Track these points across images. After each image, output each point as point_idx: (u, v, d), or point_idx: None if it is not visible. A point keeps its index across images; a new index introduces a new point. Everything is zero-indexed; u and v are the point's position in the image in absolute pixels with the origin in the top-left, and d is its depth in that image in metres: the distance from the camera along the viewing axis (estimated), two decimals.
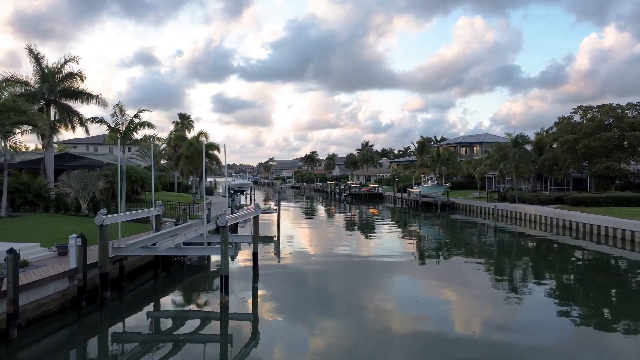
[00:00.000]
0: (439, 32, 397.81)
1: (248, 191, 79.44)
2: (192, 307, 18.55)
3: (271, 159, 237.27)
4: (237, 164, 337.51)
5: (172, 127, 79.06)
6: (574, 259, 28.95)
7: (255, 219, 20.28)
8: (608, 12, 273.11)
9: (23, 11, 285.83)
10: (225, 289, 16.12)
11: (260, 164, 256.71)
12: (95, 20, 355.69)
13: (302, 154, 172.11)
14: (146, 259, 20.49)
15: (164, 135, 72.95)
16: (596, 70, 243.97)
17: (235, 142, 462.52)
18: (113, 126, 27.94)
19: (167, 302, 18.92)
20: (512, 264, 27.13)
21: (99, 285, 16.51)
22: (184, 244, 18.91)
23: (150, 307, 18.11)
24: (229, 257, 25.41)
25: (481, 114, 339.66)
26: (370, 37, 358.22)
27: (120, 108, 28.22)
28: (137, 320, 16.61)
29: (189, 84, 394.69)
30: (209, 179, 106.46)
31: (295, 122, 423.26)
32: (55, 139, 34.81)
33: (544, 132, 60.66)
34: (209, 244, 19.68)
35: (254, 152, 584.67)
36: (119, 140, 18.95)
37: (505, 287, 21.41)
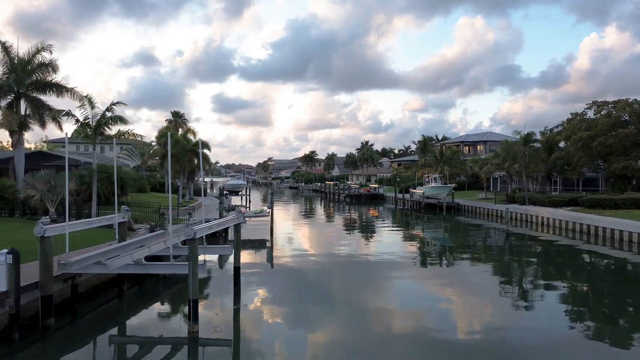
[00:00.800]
0: (440, 32, 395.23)
1: (243, 192, 76.32)
2: (162, 331, 15.50)
3: (269, 159, 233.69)
4: (237, 164, 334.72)
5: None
6: (594, 266, 26.05)
7: (237, 227, 17.18)
8: (609, 12, 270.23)
9: (23, 11, 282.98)
10: (194, 316, 13.08)
11: (259, 164, 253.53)
12: (96, 20, 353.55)
13: (302, 154, 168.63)
14: (109, 274, 17.39)
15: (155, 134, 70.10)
16: (597, 70, 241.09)
17: (236, 142, 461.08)
18: (82, 120, 24.83)
19: (133, 325, 15.89)
20: (525, 271, 24.33)
21: (40, 311, 13.45)
22: (151, 257, 15.90)
23: (109, 332, 15.06)
24: (217, 265, 22.44)
25: (481, 114, 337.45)
26: (371, 37, 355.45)
27: (89, 100, 25.08)
28: (92, 350, 13.64)
29: (189, 84, 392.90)
30: (206, 179, 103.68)
31: (296, 122, 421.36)
32: (44, 137, 31.85)
33: (548, 132, 57.96)
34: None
35: (254, 152, 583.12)
36: (65, 134, 15.88)
37: (515, 295, 19.47)
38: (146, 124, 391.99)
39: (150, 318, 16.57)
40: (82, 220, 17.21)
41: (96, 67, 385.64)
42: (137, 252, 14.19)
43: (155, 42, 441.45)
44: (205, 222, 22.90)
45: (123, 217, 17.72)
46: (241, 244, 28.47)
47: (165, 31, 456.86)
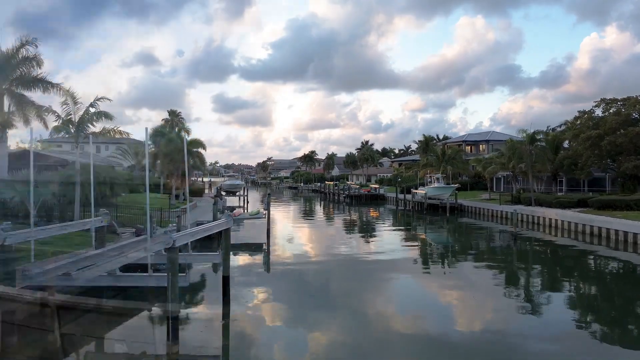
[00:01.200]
0: (440, 32, 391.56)
1: (241, 192, 74.76)
2: (145, 347, 13.94)
3: (269, 159, 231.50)
4: (237, 164, 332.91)
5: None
6: (610, 272, 24.65)
7: (226, 232, 15.61)
8: (609, 12, 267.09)
9: (23, 11, 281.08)
10: (174, 334, 11.57)
11: (258, 164, 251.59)
12: (97, 20, 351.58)
13: (302, 154, 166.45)
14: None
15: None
16: (597, 70, 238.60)
17: (236, 142, 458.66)
18: (63, 117, 23.26)
19: (112, 341, 14.35)
20: (535, 278, 22.98)
21: None
22: (134, 266, 14.34)
23: (85, 349, 13.63)
24: (212, 270, 20.90)
25: (481, 114, 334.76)
26: (371, 36, 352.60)
27: (71, 95, 23.52)
28: None
29: (190, 84, 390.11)
30: (204, 179, 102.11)
31: (296, 122, 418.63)
32: (39, 137, 30.20)
33: (551, 131, 56.49)
34: (155, 269, 14.71)
35: (254, 152, 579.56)
36: (31, 128, 14.33)
37: (521, 300, 18.54)
38: (146, 124, 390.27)
39: (132, 332, 15.03)
40: (52, 226, 15.63)
41: (96, 67, 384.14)
42: (111, 262, 12.63)
43: (155, 42, 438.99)
44: (198, 224, 21.40)
45: (102, 222, 16.13)
46: (237, 248, 27.10)
47: (166, 31, 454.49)
